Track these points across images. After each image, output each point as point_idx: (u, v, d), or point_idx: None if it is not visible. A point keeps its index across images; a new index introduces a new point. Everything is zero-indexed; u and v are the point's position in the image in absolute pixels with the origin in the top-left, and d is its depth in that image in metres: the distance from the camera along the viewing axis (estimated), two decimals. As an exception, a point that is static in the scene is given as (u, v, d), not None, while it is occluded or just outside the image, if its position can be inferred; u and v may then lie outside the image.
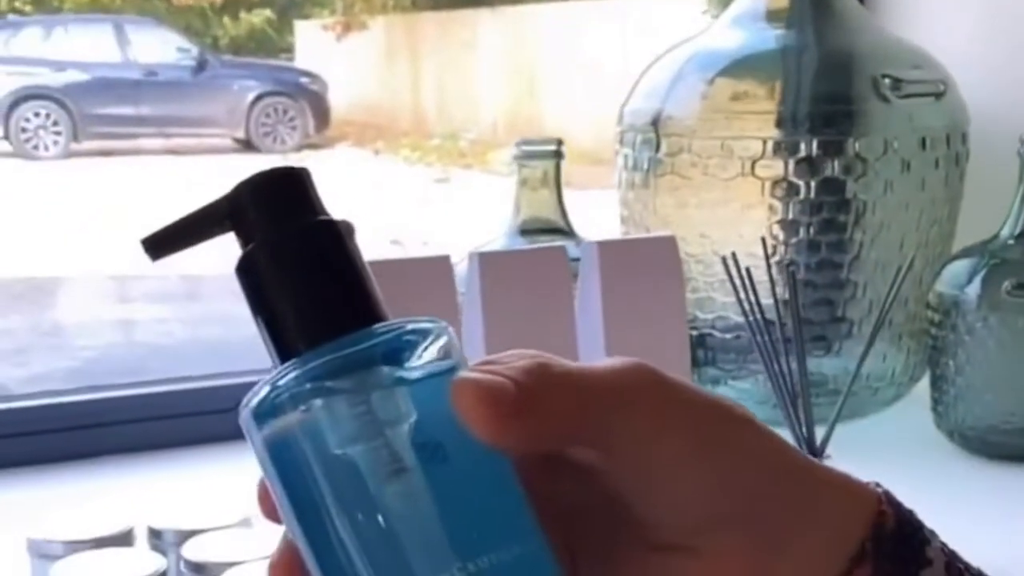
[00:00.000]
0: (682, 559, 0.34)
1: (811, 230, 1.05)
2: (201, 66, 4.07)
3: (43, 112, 3.84)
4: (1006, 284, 1.01)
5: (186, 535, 0.74)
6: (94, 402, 1.07)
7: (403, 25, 5.13)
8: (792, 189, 1.05)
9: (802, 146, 1.04)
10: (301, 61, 4.55)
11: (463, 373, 0.33)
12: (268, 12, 4.18)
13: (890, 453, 1.02)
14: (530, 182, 1.08)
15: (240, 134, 4.12)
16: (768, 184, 1.05)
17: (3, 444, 1.02)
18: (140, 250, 0.35)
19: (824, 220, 1.05)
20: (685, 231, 1.05)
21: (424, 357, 0.33)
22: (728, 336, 1.08)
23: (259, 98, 4.13)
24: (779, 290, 0.92)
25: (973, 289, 1.02)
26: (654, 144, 1.08)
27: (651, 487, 0.34)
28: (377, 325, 0.33)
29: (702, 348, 1.09)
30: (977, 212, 1.10)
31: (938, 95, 1.09)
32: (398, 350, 0.33)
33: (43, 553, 0.74)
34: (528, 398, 0.32)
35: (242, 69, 4.21)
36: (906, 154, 1.06)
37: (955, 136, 1.09)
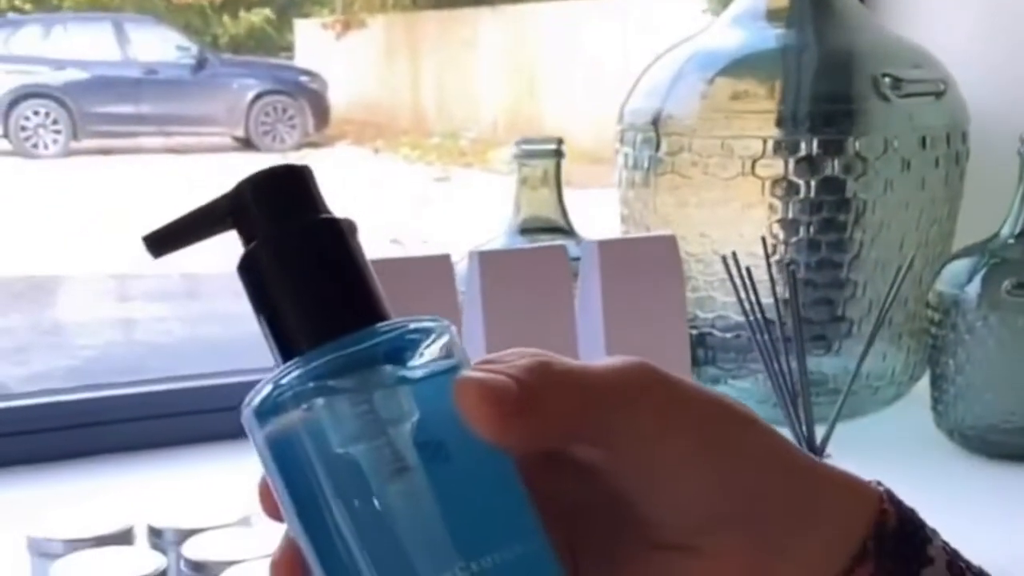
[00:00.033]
0: (684, 558, 0.34)
1: (811, 229, 1.05)
2: (201, 64, 4.07)
3: (43, 110, 3.84)
4: (1006, 283, 1.01)
5: (186, 534, 0.74)
6: (94, 401, 1.07)
7: (403, 23, 5.12)
8: (792, 188, 1.05)
9: (802, 145, 1.04)
10: (301, 60, 4.55)
11: (466, 372, 0.33)
12: (267, 11, 4.18)
13: (890, 452, 1.02)
14: (530, 181, 1.08)
15: (240, 132, 4.12)
16: (768, 183, 1.05)
17: (3, 443, 1.02)
18: (142, 247, 0.35)
19: (824, 219, 1.05)
20: (685, 230, 1.05)
21: (426, 356, 0.33)
22: (728, 335, 1.08)
23: (259, 96, 4.13)
24: (779, 289, 0.92)
25: (973, 288, 1.02)
26: (654, 143, 1.08)
27: (653, 486, 0.34)
28: (379, 324, 0.33)
29: (702, 347, 1.09)
30: (977, 211, 1.10)
31: (938, 94, 1.09)
32: (400, 349, 0.33)
33: (43, 551, 0.74)
34: (531, 397, 0.32)
35: (242, 68, 4.21)
36: (906, 153, 1.06)
37: (955, 135, 1.09)
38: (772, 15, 1.10)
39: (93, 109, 3.92)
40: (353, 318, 0.33)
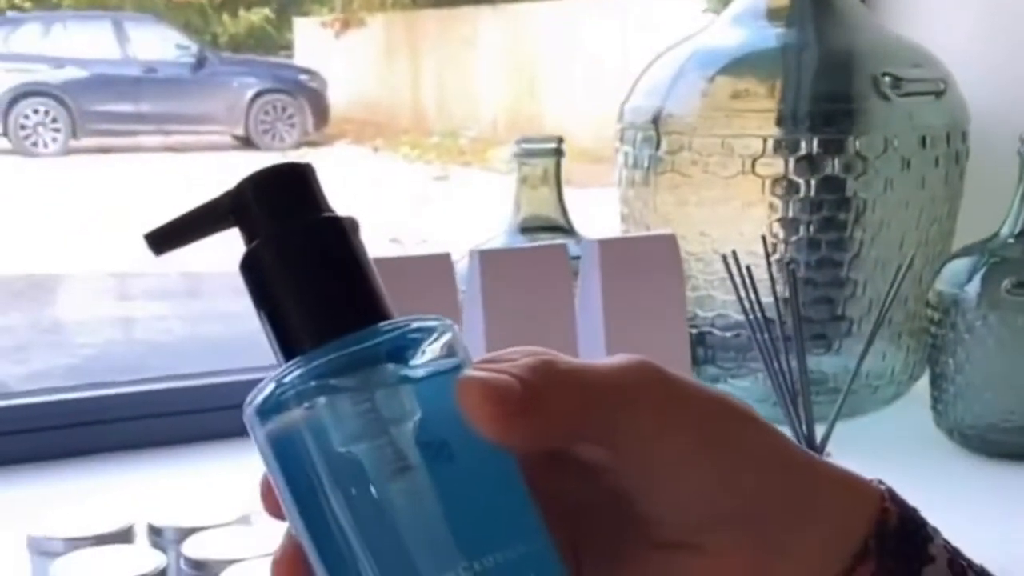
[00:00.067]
0: (685, 556, 0.34)
1: (811, 228, 1.05)
2: (200, 63, 4.07)
3: (42, 109, 3.84)
4: (1006, 283, 1.01)
5: (186, 532, 0.74)
6: (94, 399, 1.07)
7: (402, 22, 5.13)
8: (792, 187, 1.05)
9: (802, 144, 1.04)
10: (300, 58, 4.55)
11: (468, 371, 0.33)
12: (267, 10, 4.18)
13: (890, 451, 1.03)
14: (530, 180, 1.08)
15: (239, 131, 4.13)
16: (768, 182, 1.05)
17: (3, 441, 1.02)
18: (143, 245, 0.35)
19: (824, 218, 1.05)
20: (685, 229, 1.05)
21: (429, 355, 0.33)
22: (728, 334, 1.08)
23: (258, 95, 4.14)
24: (779, 288, 0.92)
25: (973, 287, 1.02)
26: (654, 142, 1.08)
27: (654, 484, 0.34)
28: (382, 323, 0.33)
29: (702, 346, 1.09)
30: (977, 210, 1.10)
31: (938, 93, 1.09)
32: (403, 348, 0.33)
33: (43, 550, 0.74)
34: (533, 396, 0.32)
35: (241, 66, 4.21)
36: (906, 152, 1.06)
37: (955, 134, 1.09)
38: (772, 14, 1.11)
39: (92, 107, 3.92)
40: (355, 317, 0.33)
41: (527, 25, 4.85)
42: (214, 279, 2.83)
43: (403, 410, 0.32)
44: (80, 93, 3.89)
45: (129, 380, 1.12)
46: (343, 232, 0.34)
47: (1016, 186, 1.02)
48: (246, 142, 4.09)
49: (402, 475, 0.32)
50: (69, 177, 3.83)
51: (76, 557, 0.71)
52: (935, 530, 0.37)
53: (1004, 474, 1.00)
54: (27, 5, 3.93)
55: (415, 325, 0.33)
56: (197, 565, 0.71)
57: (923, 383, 1.09)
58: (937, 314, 1.04)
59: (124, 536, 0.75)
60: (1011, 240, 1.02)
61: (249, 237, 0.34)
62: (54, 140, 3.84)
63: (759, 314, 0.83)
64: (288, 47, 4.55)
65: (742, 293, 0.84)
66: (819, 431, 0.82)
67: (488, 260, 0.91)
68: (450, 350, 0.34)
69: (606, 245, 0.93)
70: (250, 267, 0.34)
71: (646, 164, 1.09)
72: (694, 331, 1.07)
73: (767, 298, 0.85)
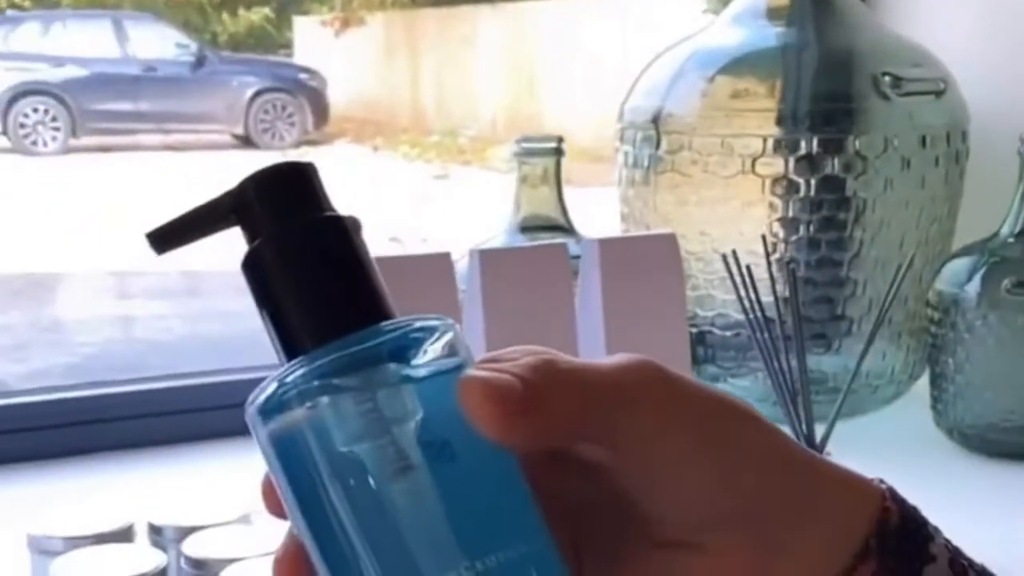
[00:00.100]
0: (686, 556, 0.34)
1: (811, 228, 1.05)
2: (200, 62, 4.07)
3: (42, 108, 3.84)
4: (1006, 282, 1.01)
5: (186, 531, 0.74)
6: (94, 398, 1.07)
7: (402, 21, 5.12)
8: (792, 187, 1.05)
9: (802, 144, 1.04)
10: (300, 57, 4.55)
11: (470, 371, 0.33)
12: (267, 9, 4.18)
13: (890, 451, 1.03)
14: (530, 179, 1.08)
15: (239, 130, 4.12)
16: (768, 182, 1.05)
17: (3, 440, 1.02)
18: (145, 243, 0.35)
19: (824, 218, 1.05)
20: (685, 229, 1.05)
21: (430, 355, 0.33)
22: (728, 334, 1.08)
23: (258, 94, 4.13)
24: (779, 288, 0.92)
25: (973, 287, 1.02)
26: (654, 141, 1.08)
27: (655, 484, 0.34)
28: (384, 322, 0.33)
29: (702, 346, 1.09)
30: (977, 210, 1.10)
31: (938, 93, 1.09)
32: (405, 348, 0.33)
33: (43, 549, 0.74)
34: (535, 396, 0.32)
35: (241, 65, 4.21)
36: (906, 152, 1.06)
37: (955, 134, 1.09)
38: (772, 13, 1.11)
39: (92, 106, 3.92)
40: (357, 316, 0.33)
41: (527, 24, 4.85)
42: (214, 278, 2.83)
43: (405, 410, 0.32)
44: (80, 92, 3.88)
45: (129, 379, 1.12)
46: (345, 231, 0.34)
47: (1016, 186, 1.02)
48: (246, 141, 4.09)
49: (404, 475, 0.32)
50: (69, 176, 3.82)
51: (76, 556, 0.71)
52: (936, 529, 0.37)
53: (1004, 474, 1.00)
54: (27, 4, 3.93)
55: (417, 325, 0.33)
56: (197, 564, 0.71)
57: (923, 383, 1.09)
58: (937, 314, 1.04)
59: (124, 535, 0.75)
60: (1011, 240, 1.02)
61: (251, 236, 0.34)
62: (54, 139, 3.84)
63: (759, 313, 0.83)
64: (288, 46, 4.55)
65: (742, 292, 0.84)
66: (819, 431, 0.82)
67: (488, 259, 0.91)
68: (452, 350, 0.34)
69: (606, 244, 0.93)
70: (252, 266, 0.34)
71: (646, 163, 1.09)
72: (694, 330, 1.07)
73: (767, 297, 0.85)
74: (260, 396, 0.33)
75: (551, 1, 4.78)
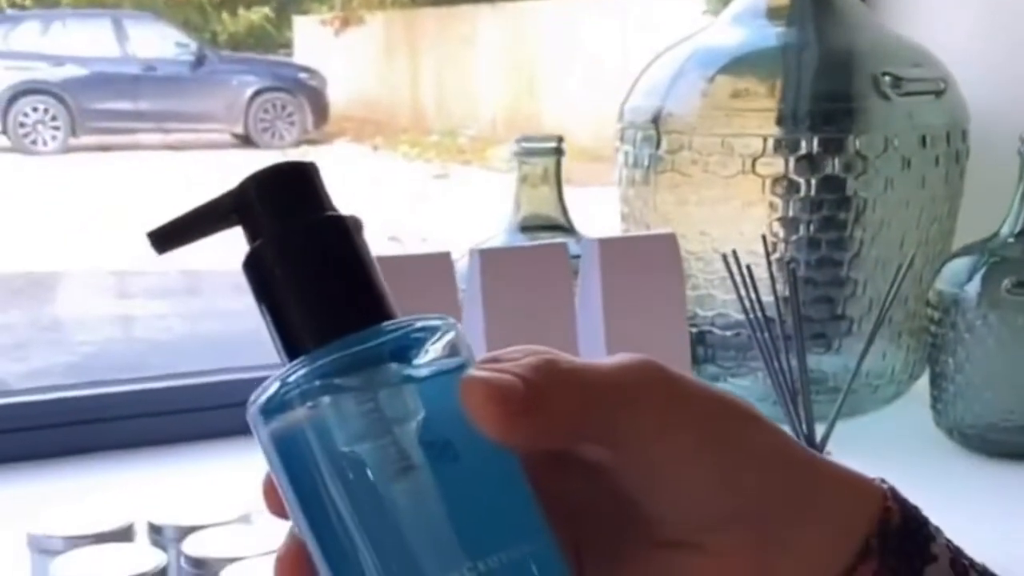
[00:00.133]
0: (687, 555, 0.34)
1: (811, 227, 1.05)
2: (200, 61, 4.06)
3: (41, 107, 3.84)
4: (1006, 282, 1.01)
5: (186, 531, 0.74)
6: (94, 397, 1.07)
7: (402, 20, 5.12)
8: (792, 186, 1.05)
9: (802, 143, 1.04)
10: (300, 56, 4.55)
11: (472, 371, 0.33)
12: (266, 9, 4.18)
13: (890, 451, 1.03)
14: (530, 179, 1.08)
15: (239, 129, 4.12)
16: (768, 181, 1.05)
17: (3, 439, 1.02)
18: (146, 243, 0.35)
19: (824, 218, 1.05)
20: (685, 228, 1.05)
21: (432, 355, 0.33)
22: (728, 333, 1.08)
23: (257, 93, 4.13)
24: (779, 287, 0.92)
25: (973, 287, 1.02)
26: (654, 141, 1.08)
27: (655, 484, 0.34)
28: (385, 322, 0.33)
29: (702, 345, 1.09)
30: (977, 210, 1.10)
31: (938, 93, 1.09)
32: (406, 348, 0.33)
33: (43, 548, 0.74)
34: (537, 396, 0.32)
35: (241, 64, 4.21)
36: (906, 152, 1.06)
37: (955, 134, 1.09)
38: (772, 13, 1.11)
39: (92, 105, 3.92)
40: (359, 316, 0.33)
41: (526, 24, 4.84)
42: (214, 277, 2.83)
43: (406, 410, 0.32)
44: (79, 91, 3.88)
45: (129, 378, 1.12)
46: (346, 231, 0.34)
47: (1016, 186, 1.02)
48: (245, 140, 4.09)
49: (405, 475, 0.32)
50: (68, 175, 3.82)
51: (76, 555, 0.71)
52: (937, 529, 0.37)
53: (1004, 473, 1.00)
54: (27, 3, 3.93)
55: (419, 325, 0.33)
56: (197, 563, 0.71)
57: (923, 382, 1.09)
58: (937, 313, 1.04)
59: (124, 534, 0.75)
60: (1011, 240, 1.02)
61: (252, 236, 0.34)
62: (53, 138, 3.84)
63: (759, 313, 0.83)
64: (287, 45, 4.55)
65: (742, 292, 0.84)
66: (819, 430, 0.83)
67: (488, 259, 0.91)
68: (453, 349, 0.34)
69: (606, 244, 0.93)
70: (253, 266, 0.34)
71: (646, 163, 1.09)
72: (694, 330, 1.07)
73: (767, 297, 0.85)
74: (262, 396, 0.33)
75: (551, 1, 4.78)
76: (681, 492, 0.34)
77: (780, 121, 1.06)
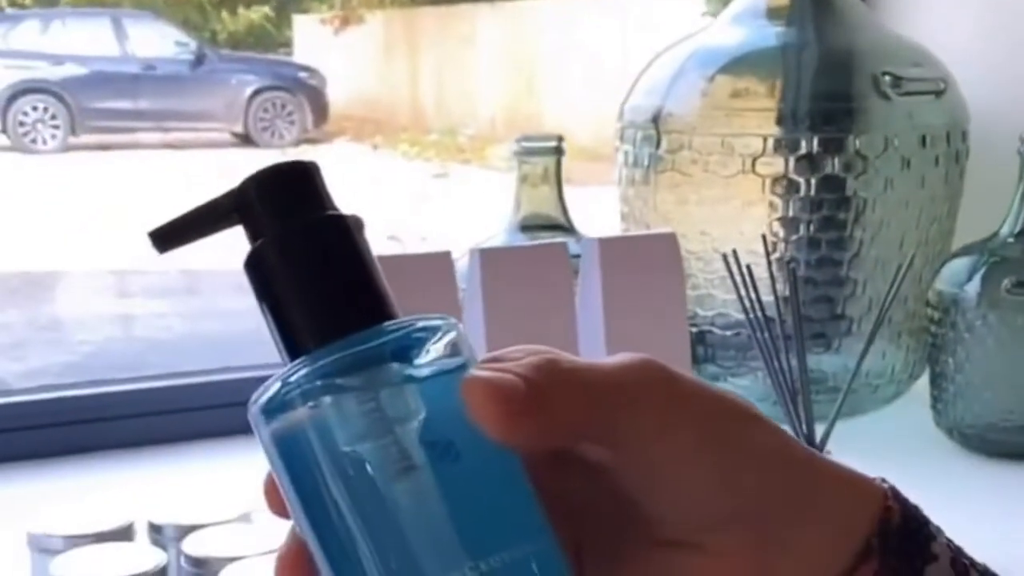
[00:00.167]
0: (687, 555, 0.34)
1: (811, 227, 1.06)
2: (199, 60, 4.06)
3: (41, 106, 3.84)
4: (1006, 282, 1.01)
5: (186, 530, 0.74)
6: (94, 397, 1.07)
7: (401, 19, 5.12)
8: (792, 186, 1.05)
9: (802, 143, 1.04)
10: (299, 55, 4.55)
11: (473, 371, 0.33)
12: (266, 8, 4.18)
13: (889, 450, 1.03)
14: (531, 178, 1.08)
15: (238, 128, 4.12)
16: (768, 181, 1.05)
17: (2, 438, 1.02)
18: (147, 242, 0.35)
19: (824, 217, 1.06)
20: (685, 228, 1.05)
21: (433, 354, 0.33)
22: (728, 333, 1.08)
23: (257, 92, 4.13)
24: (779, 287, 0.92)
25: (973, 287, 1.02)
26: (654, 141, 1.08)
27: (655, 484, 0.34)
28: (387, 322, 0.33)
29: (702, 345, 1.09)
30: (977, 210, 1.10)
31: (938, 93, 1.09)
32: (408, 348, 0.33)
33: (43, 547, 0.74)
34: (538, 395, 0.32)
35: (240, 63, 4.21)
36: (906, 152, 1.06)
37: (955, 134, 1.09)
38: (772, 13, 1.11)
39: (91, 104, 3.91)
40: (360, 316, 0.33)
41: (526, 23, 4.85)
42: (213, 276, 2.83)
43: (408, 409, 0.32)
44: (79, 90, 3.88)
45: (128, 377, 1.12)
46: (348, 231, 0.34)
47: (1016, 186, 1.02)
48: (245, 139, 4.09)
49: (407, 475, 0.32)
50: (68, 174, 3.82)
51: (76, 554, 0.71)
52: (938, 528, 0.37)
53: (1004, 473, 1.01)
54: (27, 2, 3.93)
55: (420, 324, 0.33)
56: (197, 563, 0.71)
57: (923, 382, 1.10)
58: (937, 313, 1.04)
59: (124, 533, 0.75)
60: (1011, 240, 1.02)
61: (253, 236, 0.34)
62: (53, 137, 3.84)
63: (759, 313, 0.83)
64: (287, 44, 4.55)
65: (742, 292, 0.84)
66: (819, 430, 0.83)
67: (488, 258, 0.91)
68: (454, 349, 0.33)
69: (606, 244, 0.93)
70: (254, 266, 0.34)
71: (646, 163, 1.09)
72: (694, 330, 1.07)
73: (767, 297, 0.85)
74: (263, 396, 0.33)
75: (551, 0, 4.78)
76: (681, 492, 0.34)
77: (780, 121, 1.06)
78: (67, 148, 3.88)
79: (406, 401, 0.33)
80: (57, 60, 3.87)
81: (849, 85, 1.09)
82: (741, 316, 0.85)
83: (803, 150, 1.04)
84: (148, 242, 0.35)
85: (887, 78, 1.06)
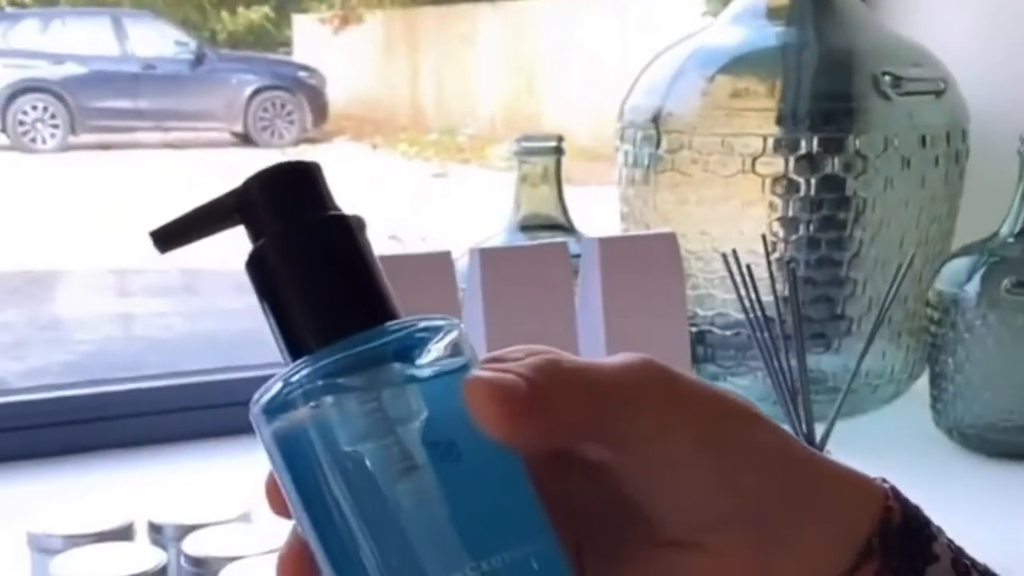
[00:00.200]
0: (688, 555, 0.34)
1: (811, 227, 1.06)
2: (199, 60, 4.06)
3: (41, 105, 3.84)
4: (1005, 282, 1.01)
5: (186, 530, 0.74)
6: (94, 396, 1.07)
7: (401, 19, 5.12)
8: (792, 186, 1.05)
9: (802, 143, 1.04)
10: (299, 55, 4.55)
11: (475, 371, 0.33)
12: (266, 7, 4.18)
13: (889, 450, 1.03)
14: (530, 178, 1.08)
15: (238, 128, 4.12)
16: (768, 181, 1.05)
17: (2, 438, 1.02)
18: (149, 242, 0.35)
19: (824, 217, 1.06)
20: (685, 228, 1.05)
21: (435, 355, 0.33)
22: (728, 333, 1.08)
23: (257, 92, 4.13)
24: (779, 287, 0.92)
25: (972, 287, 1.02)
26: (654, 141, 1.08)
27: (656, 484, 0.34)
28: (389, 322, 0.33)
29: (702, 345, 1.09)
30: (977, 210, 1.10)
31: (938, 93, 1.09)
32: (409, 348, 0.33)
33: (43, 547, 0.74)
34: (539, 395, 0.32)
35: (240, 63, 4.20)
36: (906, 152, 1.06)
37: (955, 134, 1.09)
38: (772, 13, 1.11)
39: (91, 104, 3.91)
40: (362, 316, 0.33)
41: (526, 22, 4.85)
42: (214, 276, 2.83)
43: (410, 410, 0.32)
44: (79, 89, 3.88)
45: (128, 377, 1.12)
46: (349, 231, 0.34)
47: (1016, 186, 1.02)
48: (245, 139, 4.09)
49: (408, 475, 0.32)
50: (68, 173, 3.82)
51: (76, 554, 0.71)
52: (939, 529, 0.37)
53: (1003, 473, 1.01)
54: (26, 1, 3.93)
55: (422, 324, 0.33)
56: (197, 562, 0.71)
57: (923, 382, 1.10)
58: (937, 313, 1.04)
59: (124, 533, 0.75)
60: (1011, 240, 1.02)
61: (255, 236, 0.34)
62: (52, 136, 3.84)
63: (759, 313, 0.83)
64: (287, 44, 4.55)
65: (742, 292, 0.84)
66: (819, 430, 0.83)
67: (488, 258, 0.91)
68: (456, 349, 0.33)
69: (606, 243, 0.94)
70: (256, 266, 0.34)
71: (646, 163, 1.09)
72: (694, 329, 1.07)
73: (767, 297, 0.85)
74: (265, 395, 0.33)
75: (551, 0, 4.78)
76: (681, 492, 0.34)
77: (780, 121, 1.06)
78: (67, 147, 3.88)
79: (408, 401, 0.32)
80: (57, 59, 3.87)
81: (849, 85, 1.09)
82: (741, 316, 0.85)
83: (803, 150, 1.04)
84: (149, 242, 0.35)
85: (887, 78, 1.06)
